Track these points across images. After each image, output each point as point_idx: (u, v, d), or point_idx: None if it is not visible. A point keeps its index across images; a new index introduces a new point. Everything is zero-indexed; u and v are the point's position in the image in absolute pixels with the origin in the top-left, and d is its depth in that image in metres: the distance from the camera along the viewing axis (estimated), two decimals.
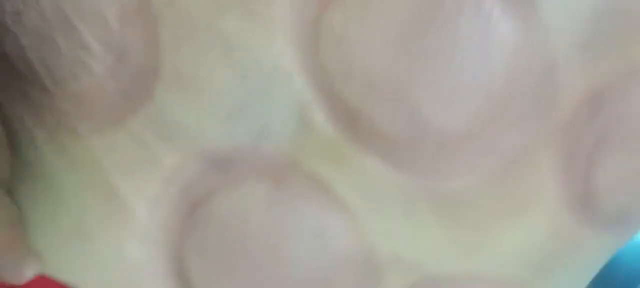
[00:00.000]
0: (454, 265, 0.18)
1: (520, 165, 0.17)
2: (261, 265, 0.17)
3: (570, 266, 0.19)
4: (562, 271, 0.19)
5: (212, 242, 0.17)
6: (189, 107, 0.17)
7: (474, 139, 0.17)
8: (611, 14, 0.16)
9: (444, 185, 0.17)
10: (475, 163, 0.17)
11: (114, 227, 0.17)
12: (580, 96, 0.17)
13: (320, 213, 0.17)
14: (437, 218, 0.17)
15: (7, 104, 0.17)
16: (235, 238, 0.17)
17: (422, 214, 0.17)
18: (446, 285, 0.18)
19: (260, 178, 0.17)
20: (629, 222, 0.19)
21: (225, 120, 0.17)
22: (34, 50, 0.17)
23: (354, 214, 0.17)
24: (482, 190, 0.17)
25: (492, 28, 0.16)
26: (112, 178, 0.17)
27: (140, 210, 0.17)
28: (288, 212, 0.17)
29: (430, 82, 0.16)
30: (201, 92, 0.17)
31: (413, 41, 0.16)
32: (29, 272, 0.17)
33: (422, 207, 0.17)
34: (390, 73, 0.16)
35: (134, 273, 0.17)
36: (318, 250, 0.17)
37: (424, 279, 0.18)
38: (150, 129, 0.17)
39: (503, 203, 0.17)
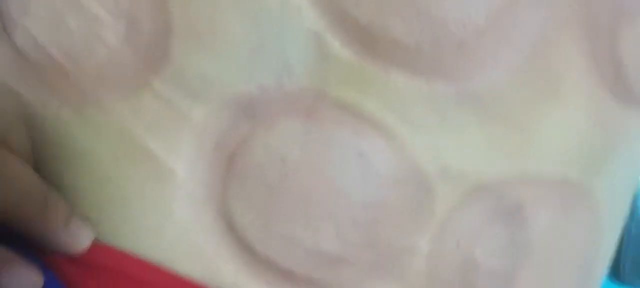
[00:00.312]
0: (501, 169, 0.18)
1: (543, 49, 0.17)
2: (309, 200, 0.17)
3: (618, 156, 0.19)
4: (611, 163, 0.19)
5: (255, 189, 0.17)
6: (207, 59, 0.17)
7: (491, 31, 0.17)
8: None
9: (471, 86, 0.17)
10: (498, 55, 0.17)
11: (157, 190, 0.17)
12: None
13: (357, 136, 0.17)
14: (472, 122, 0.17)
15: (26, 92, 0.17)
16: (277, 180, 0.17)
17: (457, 120, 0.17)
18: (498, 189, 0.18)
19: (290, 115, 0.17)
20: None
21: (245, 64, 0.17)
22: (47, 37, 0.17)
23: (390, 131, 0.17)
24: (510, 83, 0.17)
25: None
26: (146, 142, 0.17)
27: (180, 170, 0.17)
28: (325, 142, 0.17)
29: None
30: (217, 42, 0.17)
31: None
32: (86, 241, 0.17)
33: (455, 113, 0.17)
34: None
35: (183, 233, 0.17)
36: (363, 173, 0.17)
37: (475, 187, 0.17)
38: (174, 87, 0.17)
39: (534, 91, 0.17)
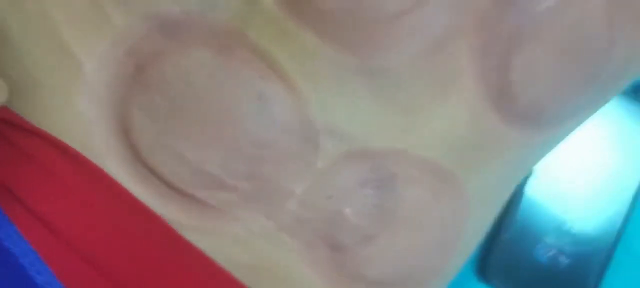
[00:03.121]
0: (384, 141, 0.20)
1: (441, 51, 0.19)
2: (205, 125, 0.19)
3: (489, 161, 0.21)
4: (484, 164, 0.21)
5: (157, 103, 0.18)
6: None
7: (403, 18, 0.18)
8: None
9: (373, 64, 0.19)
10: (403, 42, 0.19)
11: (64, 79, 0.18)
12: None
13: (262, 80, 0.18)
14: (369, 94, 0.19)
15: None
16: (179, 99, 0.18)
17: (356, 89, 0.19)
18: (375, 157, 0.20)
19: (206, 44, 0.18)
20: (542, 122, 0.22)
21: None
22: None
23: (293, 85, 0.19)
24: (409, 71, 0.19)
25: None
26: (64, 33, 0.18)
27: (89, 66, 0.18)
28: (231, 77, 0.18)
29: None
30: None
31: None
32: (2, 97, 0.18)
33: (355, 82, 0.19)
34: None
35: (83, 127, 0.19)
36: (259, 113, 0.19)
37: (355, 150, 0.19)
38: None
39: (428, 85, 0.19)
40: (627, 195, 0.28)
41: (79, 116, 0.19)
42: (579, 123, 0.23)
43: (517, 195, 0.28)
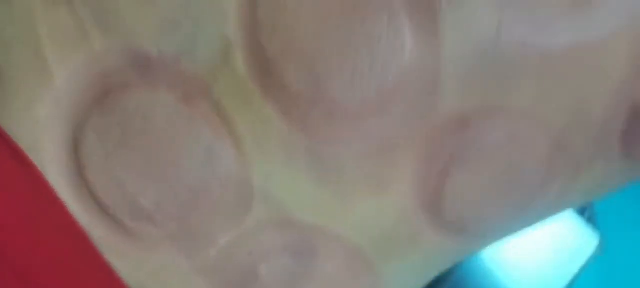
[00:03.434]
0: (314, 218, 0.21)
1: (388, 154, 0.20)
2: (150, 162, 0.20)
3: (409, 257, 0.23)
4: (400, 258, 0.23)
5: (112, 129, 0.19)
6: (131, 7, 0.19)
7: (358, 120, 0.20)
8: (498, 60, 0.19)
9: (324, 150, 0.20)
10: (356, 140, 0.20)
11: (31, 83, 0.19)
12: (452, 115, 0.20)
13: (214, 136, 0.20)
14: (310, 174, 0.20)
15: None
16: (134, 133, 0.19)
17: (300, 167, 0.20)
18: (302, 230, 0.21)
19: (172, 89, 0.19)
20: (468, 234, 0.23)
21: (159, 28, 0.19)
22: None
23: (242, 148, 0.20)
24: (352, 162, 0.20)
25: (399, 36, 0.19)
26: (43, 40, 0.19)
27: (58, 77, 0.19)
28: (187, 126, 0.19)
29: (339, 61, 0.19)
30: None
31: (335, 23, 0.19)
32: None
33: (301, 161, 0.20)
34: (309, 41, 0.19)
35: (37, 132, 0.19)
36: (203, 166, 0.20)
37: (285, 218, 0.21)
38: (93, 13, 0.19)
39: (367, 179, 0.21)
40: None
41: (36, 121, 0.19)
42: (506, 238, 0.24)
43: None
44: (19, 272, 0.20)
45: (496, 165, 0.21)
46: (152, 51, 0.19)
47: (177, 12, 0.19)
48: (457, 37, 0.19)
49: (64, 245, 0.20)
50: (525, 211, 0.23)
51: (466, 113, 0.20)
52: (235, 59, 0.19)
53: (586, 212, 0.36)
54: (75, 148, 0.20)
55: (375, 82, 0.19)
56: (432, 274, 0.25)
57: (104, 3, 0.19)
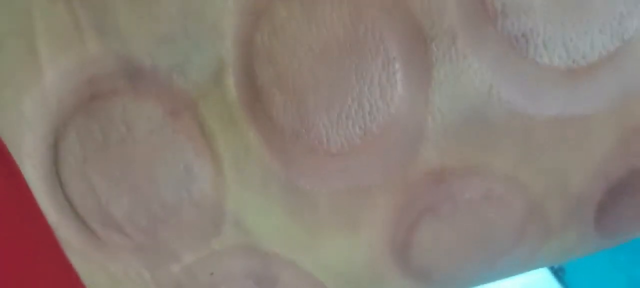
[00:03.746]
0: (281, 248, 0.21)
1: (364, 197, 0.20)
2: (126, 172, 0.19)
3: None
4: None
5: (94, 133, 0.19)
6: (130, 15, 0.19)
7: (339, 159, 0.20)
8: (484, 121, 0.19)
9: (300, 182, 0.20)
10: (332, 178, 0.20)
11: (21, 77, 0.19)
12: (431, 167, 0.20)
13: (195, 154, 0.20)
14: (284, 206, 0.20)
15: None
16: (115, 140, 0.19)
17: (274, 198, 0.20)
18: (268, 260, 0.21)
19: (160, 102, 0.19)
20: (433, 283, 0.23)
21: (155, 41, 0.19)
22: None
23: (220, 170, 0.20)
24: (327, 200, 0.20)
25: (391, 82, 0.19)
26: (38, 36, 0.19)
27: (49, 75, 0.19)
28: (169, 140, 0.19)
29: (328, 99, 0.19)
30: (146, 8, 0.18)
31: (330, 61, 0.19)
32: None
33: (276, 192, 0.20)
34: (302, 75, 0.19)
35: (19, 125, 0.19)
36: (179, 183, 0.20)
37: (252, 246, 0.21)
38: (90, 15, 0.19)
39: (340, 219, 0.21)
40: None
41: (21, 114, 0.19)
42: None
43: None
44: None
45: (469, 222, 0.21)
46: (145, 62, 0.19)
47: (175, 27, 0.19)
48: (447, 92, 0.19)
49: (28, 239, 0.20)
50: (492, 267, 0.23)
51: (446, 167, 0.20)
52: (227, 81, 0.19)
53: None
54: (55, 146, 0.19)
55: (361, 125, 0.19)
56: None
57: (103, 8, 0.19)
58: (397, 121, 0.19)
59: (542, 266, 0.26)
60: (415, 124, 0.19)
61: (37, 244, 0.20)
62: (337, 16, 0.18)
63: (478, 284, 0.25)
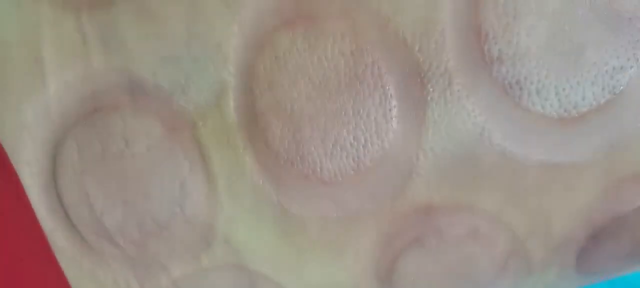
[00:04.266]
0: (268, 270, 0.22)
1: (353, 225, 0.21)
2: (122, 185, 0.20)
3: None
4: None
5: (92, 144, 0.20)
6: (137, 33, 0.19)
7: (330, 188, 0.20)
8: (474, 162, 0.20)
9: (291, 206, 0.20)
10: (323, 204, 0.20)
11: (24, 86, 0.19)
12: (419, 202, 0.20)
13: (190, 172, 0.20)
14: (274, 229, 0.21)
15: None
16: (113, 153, 0.20)
17: (265, 220, 0.21)
18: (254, 279, 0.22)
19: (160, 118, 0.20)
20: None
21: (159, 60, 0.19)
22: None
23: (214, 189, 0.20)
24: (317, 225, 0.21)
25: (387, 118, 0.19)
26: (45, 48, 0.19)
27: (53, 87, 0.19)
28: (166, 157, 0.20)
29: (324, 130, 0.19)
30: (152, 27, 0.19)
31: (328, 93, 0.19)
32: None
33: (267, 215, 0.21)
34: (300, 104, 0.19)
35: (19, 133, 0.20)
36: (173, 199, 0.20)
37: (240, 265, 0.21)
38: (98, 31, 0.19)
39: (327, 243, 0.21)
40: None
41: (22, 122, 0.20)
42: None
43: None
44: None
45: (453, 256, 0.22)
46: (148, 79, 0.19)
47: (180, 48, 0.19)
48: (440, 132, 0.20)
49: (23, 244, 0.21)
50: None
51: (434, 203, 0.21)
52: (227, 104, 0.19)
53: None
54: (54, 156, 0.20)
55: (355, 157, 0.20)
56: None
57: (110, 25, 0.19)
58: (390, 156, 0.20)
59: None
60: (407, 160, 0.20)
61: (29, 250, 0.21)
62: (339, 50, 0.19)
63: None
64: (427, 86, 0.19)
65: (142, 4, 0.19)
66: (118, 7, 0.19)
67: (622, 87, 0.19)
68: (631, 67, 0.19)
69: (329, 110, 0.19)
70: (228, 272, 0.21)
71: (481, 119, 0.19)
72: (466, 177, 0.20)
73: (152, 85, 0.19)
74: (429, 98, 0.19)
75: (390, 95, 0.19)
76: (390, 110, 0.19)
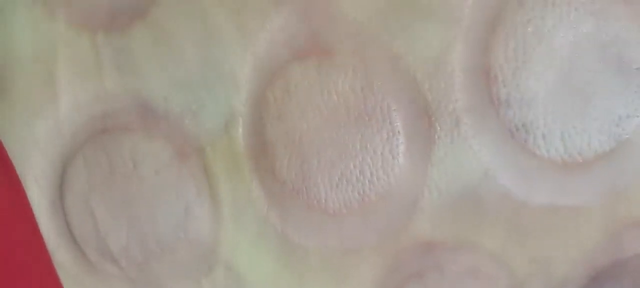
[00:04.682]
0: None
1: (355, 256, 0.21)
2: (128, 207, 0.20)
3: None
4: None
5: (101, 165, 0.20)
6: (151, 57, 0.19)
7: (334, 219, 0.20)
8: (477, 201, 0.20)
9: (294, 236, 0.21)
10: (326, 235, 0.21)
11: (38, 100, 0.20)
12: (422, 238, 0.21)
13: (197, 197, 0.20)
14: (276, 256, 0.21)
15: None
16: (120, 174, 0.20)
17: (268, 248, 0.21)
18: None
19: (168, 143, 0.20)
20: None
21: (172, 85, 0.20)
22: None
23: (219, 215, 0.20)
24: (319, 255, 0.21)
25: (394, 154, 0.20)
26: (59, 66, 0.20)
27: (65, 105, 0.20)
28: (174, 181, 0.20)
29: (331, 163, 0.20)
30: (167, 52, 0.19)
31: (337, 127, 0.20)
32: None
33: (270, 242, 0.21)
34: (309, 136, 0.20)
35: (29, 148, 0.20)
36: (178, 223, 0.20)
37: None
38: (112, 53, 0.19)
39: (328, 274, 0.21)
40: None
41: (33, 137, 0.20)
42: None
43: None
44: None
45: None
46: (159, 103, 0.20)
47: (193, 76, 0.19)
48: (446, 170, 0.20)
49: (27, 260, 0.21)
50: None
51: (436, 239, 0.21)
52: (236, 131, 0.20)
53: None
54: (63, 173, 0.20)
55: (360, 191, 0.20)
56: None
57: (126, 49, 0.19)
58: (395, 191, 0.20)
59: None
60: (412, 196, 0.20)
61: (31, 263, 0.21)
62: (350, 86, 0.19)
63: None
64: (435, 124, 0.19)
65: (158, 29, 0.19)
66: (134, 31, 0.19)
67: (627, 136, 0.19)
68: (637, 116, 0.19)
69: (337, 143, 0.20)
70: None
71: (486, 160, 0.20)
72: (469, 216, 0.20)
73: (163, 109, 0.20)
74: (436, 136, 0.19)
75: (398, 132, 0.19)
76: (397, 146, 0.20)
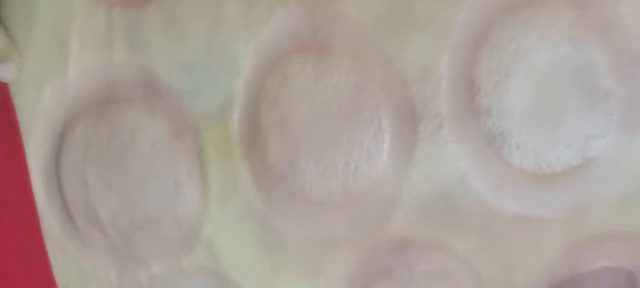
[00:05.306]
0: (244, 280, 0.22)
1: (330, 246, 0.22)
2: (121, 177, 0.21)
3: None
4: None
5: (99, 134, 0.21)
6: (161, 36, 0.20)
7: (316, 209, 0.21)
8: (452, 204, 0.21)
9: (276, 222, 0.22)
10: (306, 223, 0.22)
11: (48, 65, 0.20)
12: (396, 235, 0.22)
13: (187, 174, 0.21)
14: (257, 240, 0.22)
15: None
16: (117, 145, 0.21)
17: (250, 231, 0.22)
18: (230, 286, 0.22)
19: (168, 119, 0.21)
20: None
21: (177, 64, 0.20)
22: None
23: (206, 194, 0.21)
24: (298, 243, 0.22)
25: (379, 150, 0.21)
26: (73, 34, 0.20)
27: (73, 71, 0.21)
28: (167, 156, 0.21)
29: (319, 152, 0.21)
30: (176, 34, 0.20)
31: (328, 119, 0.21)
32: (14, 73, 0.20)
33: (252, 226, 0.21)
34: (300, 125, 0.21)
35: (34, 109, 0.21)
36: (166, 197, 0.21)
37: (218, 271, 0.22)
38: (125, 26, 0.20)
39: (305, 262, 0.22)
40: None
41: (40, 99, 0.21)
42: None
43: None
44: None
45: None
46: (163, 81, 0.20)
47: (198, 57, 0.20)
48: (425, 170, 0.21)
49: (15, 218, 0.21)
50: None
51: (410, 238, 0.22)
52: (232, 114, 0.21)
53: None
54: (62, 137, 0.21)
55: (343, 182, 0.21)
56: None
57: (139, 24, 0.20)
58: (376, 186, 0.21)
59: None
60: (391, 193, 0.21)
61: (20, 224, 0.21)
62: (344, 82, 0.20)
63: None
64: (419, 126, 0.21)
65: (171, 11, 0.20)
66: (149, 10, 0.20)
67: (593, 154, 0.21)
68: (603, 137, 0.21)
69: (327, 134, 0.21)
70: (205, 276, 0.22)
71: (463, 164, 0.21)
72: (443, 217, 0.21)
73: (166, 87, 0.20)
74: (419, 138, 0.21)
75: (385, 130, 0.21)
76: (382, 142, 0.21)
